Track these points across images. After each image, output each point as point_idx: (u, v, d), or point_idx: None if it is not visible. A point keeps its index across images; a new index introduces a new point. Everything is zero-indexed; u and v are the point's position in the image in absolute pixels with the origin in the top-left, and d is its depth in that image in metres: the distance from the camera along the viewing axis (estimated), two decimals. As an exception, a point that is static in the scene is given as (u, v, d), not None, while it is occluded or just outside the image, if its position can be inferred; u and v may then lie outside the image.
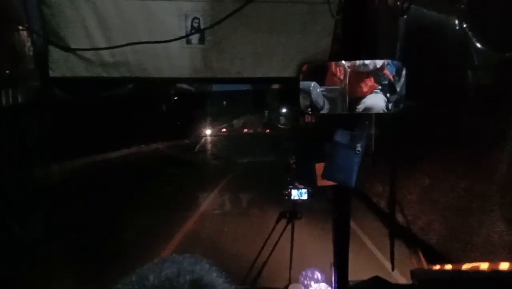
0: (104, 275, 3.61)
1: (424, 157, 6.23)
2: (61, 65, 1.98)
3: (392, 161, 2.42)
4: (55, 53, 1.97)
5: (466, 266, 2.12)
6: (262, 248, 2.60)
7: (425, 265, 2.61)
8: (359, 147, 1.66)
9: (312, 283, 2.27)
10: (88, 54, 1.97)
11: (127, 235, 5.78)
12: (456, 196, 5.53)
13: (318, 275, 2.31)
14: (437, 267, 2.29)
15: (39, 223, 5.33)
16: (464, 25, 5.03)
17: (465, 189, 5.46)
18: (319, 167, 1.79)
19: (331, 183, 1.77)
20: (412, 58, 1.90)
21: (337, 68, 1.72)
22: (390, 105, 1.71)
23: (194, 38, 1.99)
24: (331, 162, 1.73)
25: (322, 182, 1.79)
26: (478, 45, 5.02)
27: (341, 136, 1.70)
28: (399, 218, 2.56)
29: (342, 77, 1.71)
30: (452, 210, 5.42)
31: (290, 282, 2.48)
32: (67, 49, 1.95)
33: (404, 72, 1.70)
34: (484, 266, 2.03)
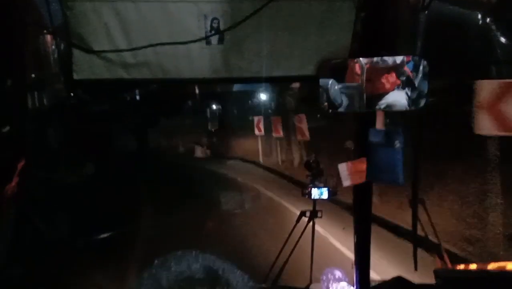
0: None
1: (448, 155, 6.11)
2: (85, 68, 2.02)
3: (415, 159, 2.37)
4: (78, 56, 2.01)
5: (492, 266, 2.06)
6: (283, 247, 2.59)
7: (449, 265, 2.56)
8: (398, 143, 1.61)
9: (334, 283, 2.25)
10: (110, 56, 2.01)
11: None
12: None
13: (339, 274, 2.29)
14: (462, 266, 2.24)
15: (64, 222, 5.45)
16: (487, 20, 4.90)
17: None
18: (342, 168, 1.77)
19: (356, 183, 1.74)
20: (433, 54, 1.86)
21: (356, 65, 1.70)
22: (412, 103, 1.67)
23: (214, 38, 2.00)
24: (372, 163, 1.66)
25: (347, 183, 1.77)
26: (502, 39, 4.89)
27: (375, 136, 1.65)
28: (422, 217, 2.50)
29: (360, 74, 1.69)
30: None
31: (311, 282, 2.47)
32: (90, 51, 1.99)
33: (425, 68, 1.67)
34: (511, 265, 1.97)
